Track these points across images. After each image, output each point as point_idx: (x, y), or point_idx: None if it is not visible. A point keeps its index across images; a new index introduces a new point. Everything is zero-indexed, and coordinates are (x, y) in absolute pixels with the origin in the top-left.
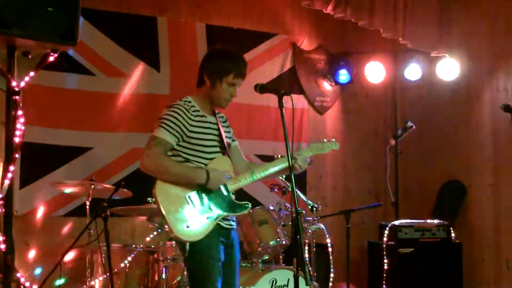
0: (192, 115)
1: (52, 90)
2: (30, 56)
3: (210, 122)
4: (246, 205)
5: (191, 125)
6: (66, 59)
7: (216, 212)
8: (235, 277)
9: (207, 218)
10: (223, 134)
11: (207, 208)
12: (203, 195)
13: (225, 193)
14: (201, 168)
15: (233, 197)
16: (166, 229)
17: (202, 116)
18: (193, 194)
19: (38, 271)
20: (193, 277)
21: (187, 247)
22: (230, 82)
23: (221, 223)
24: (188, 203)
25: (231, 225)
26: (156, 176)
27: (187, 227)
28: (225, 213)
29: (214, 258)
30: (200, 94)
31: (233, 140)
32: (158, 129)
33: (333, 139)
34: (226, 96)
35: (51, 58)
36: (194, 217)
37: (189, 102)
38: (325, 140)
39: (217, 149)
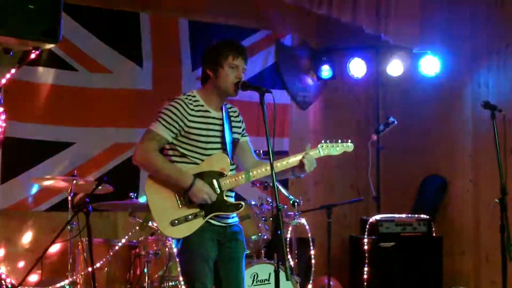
0: (193, 109)
1: (34, 86)
2: (11, 53)
3: (213, 118)
4: (239, 205)
5: (190, 120)
6: (48, 55)
7: (206, 210)
8: (239, 272)
9: (196, 216)
10: (227, 131)
11: (196, 206)
12: None
13: (217, 191)
14: (189, 174)
15: (231, 194)
16: (152, 225)
17: (206, 111)
18: (183, 192)
19: (18, 264)
20: (183, 275)
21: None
22: (232, 64)
23: (212, 221)
24: (177, 200)
25: (226, 223)
26: (145, 171)
27: (173, 224)
28: (215, 212)
29: (203, 257)
30: (206, 89)
31: (242, 136)
32: (155, 123)
33: (349, 140)
34: (232, 79)
35: (33, 55)
36: (181, 214)
37: (193, 96)
38: (339, 140)
39: (218, 145)
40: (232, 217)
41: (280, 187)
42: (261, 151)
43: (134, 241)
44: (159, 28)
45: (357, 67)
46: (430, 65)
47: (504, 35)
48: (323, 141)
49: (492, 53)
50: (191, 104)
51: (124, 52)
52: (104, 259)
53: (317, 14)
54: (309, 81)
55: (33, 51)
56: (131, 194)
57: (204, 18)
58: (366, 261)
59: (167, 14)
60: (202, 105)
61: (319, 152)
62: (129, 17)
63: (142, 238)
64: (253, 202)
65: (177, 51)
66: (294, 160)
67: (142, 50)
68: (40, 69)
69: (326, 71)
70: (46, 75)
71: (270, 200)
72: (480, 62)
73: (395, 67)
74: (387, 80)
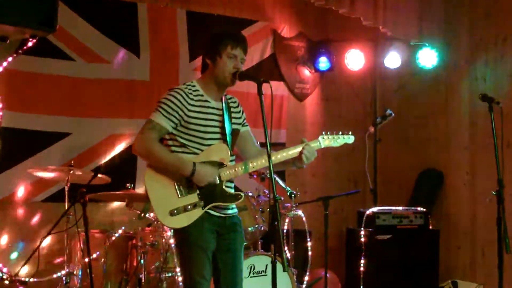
0: (193, 99)
1: (31, 75)
2: (8, 42)
3: (213, 108)
4: (239, 196)
5: (189, 110)
6: (45, 44)
7: (205, 200)
8: (237, 264)
9: (195, 206)
10: (227, 121)
11: (196, 196)
12: (193, 183)
13: (217, 181)
14: (189, 161)
15: (230, 185)
16: (150, 216)
17: (205, 101)
18: (183, 182)
19: (14, 255)
20: (182, 266)
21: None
22: (230, 54)
23: (211, 211)
24: (176, 190)
25: (226, 213)
26: (145, 161)
27: (172, 214)
28: (215, 203)
29: (202, 248)
30: (205, 78)
31: (243, 125)
32: (155, 112)
33: (350, 132)
34: (229, 69)
35: (30, 44)
36: (181, 204)
37: (193, 86)
38: (340, 132)
39: (217, 135)
40: (232, 208)
41: (277, 178)
42: (258, 142)
43: (131, 232)
44: (157, 18)
45: (355, 59)
46: (428, 57)
47: (502, 27)
48: (323, 133)
49: (489, 46)
50: (191, 93)
51: (122, 43)
52: (101, 250)
53: (315, 6)
54: (307, 72)
55: (30, 39)
56: (128, 184)
57: (202, 9)
58: (363, 253)
59: (165, 4)
60: (202, 95)
61: (320, 143)
62: (127, 7)
63: (139, 229)
64: (250, 194)
65: (175, 42)
66: (294, 151)
67: (139, 41)
68: (37, 58)
69: (323, 62)
70: (42, 65)
71: (267, 192)
72: (478, 54)
73: (392, 59)
74: (385, 72)
